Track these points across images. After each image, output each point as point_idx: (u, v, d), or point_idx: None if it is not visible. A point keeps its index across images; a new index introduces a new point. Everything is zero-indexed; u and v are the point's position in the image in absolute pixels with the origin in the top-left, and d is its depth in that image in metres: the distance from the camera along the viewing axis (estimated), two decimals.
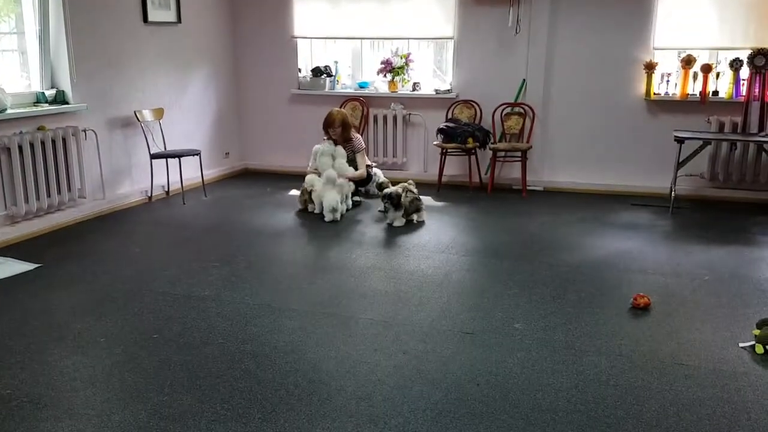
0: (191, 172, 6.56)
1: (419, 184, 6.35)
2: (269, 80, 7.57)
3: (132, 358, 3.13)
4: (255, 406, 2.70)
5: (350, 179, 5.87)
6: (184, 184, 6.31)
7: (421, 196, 5.65)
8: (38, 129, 5.17)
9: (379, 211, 5.70)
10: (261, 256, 4.66)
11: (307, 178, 5.88)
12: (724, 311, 3.68)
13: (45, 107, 5.26)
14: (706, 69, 6.16)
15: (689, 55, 6.18)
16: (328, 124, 6.06)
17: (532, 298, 3.87)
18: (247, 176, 7.60)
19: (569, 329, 3.44)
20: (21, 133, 5.00)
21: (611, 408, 2.68)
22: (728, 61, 6.12)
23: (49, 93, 5.39)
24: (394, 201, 5.32)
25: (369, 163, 6.44)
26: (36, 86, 5.43)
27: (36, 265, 4.41)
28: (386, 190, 5.39)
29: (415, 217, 5.51)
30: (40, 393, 2.80)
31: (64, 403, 2.72)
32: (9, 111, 4.91)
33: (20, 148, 4.98)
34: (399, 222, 5.39)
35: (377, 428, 2.54)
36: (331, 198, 5.51)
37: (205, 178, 6.65)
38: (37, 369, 3.02)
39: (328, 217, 5.52)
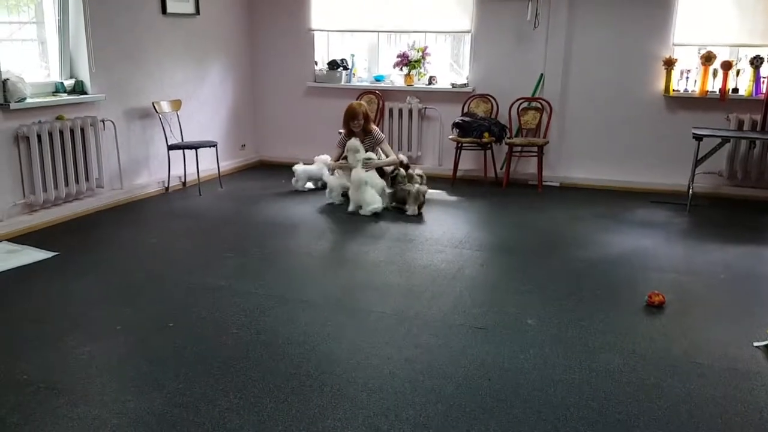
0: (207, 164, 6.60)
1: (434, 178, 6.39)
2: (285, 73, 7.59)
3: (147, 346, 3.17)
4: (267, 395, 2.72)
5: (389, 165, 5.83)
6: (200, 176, 6.35)
7: (422, 192, 5.56)
8: (57, 118, 5.22)
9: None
10: (275, 248, 4.68)
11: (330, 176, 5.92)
12: (739, 310, 3.65)
13: (64, 97, 5.32)
14: (726, 66, 6.09)
15: (709, 52, 6.11)
16: (351, 116, 5.90)
17: (546, 294, 3.86)
18: (262, 168, 7.64)
19: (583, 326, 3.42)
20: (40, 122, 5.06)
21: (623, 405, 2.67)
22: (749, 59, 6.04)
23: (68, 83, 5.44)
24: (398, 193, 5.61)
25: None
26: (55, 76, 5.48)
27: (53, 254, 4.46)
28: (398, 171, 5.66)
29: (406, 208, 5.55)
30: (56, 379, 2.84)
31: (80, 390, 2.76)
32: (28, 100, 4.96)
33: (39, 137, 5.03)
34: (411, 211, 5.50)
35: (388, 420, 2.55)
36: (370, 196, 5.50)
37: (221, 170, 6.70)
38: (54, 356, 3.06)
39: (366, 211, 5.50)
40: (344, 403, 2.67)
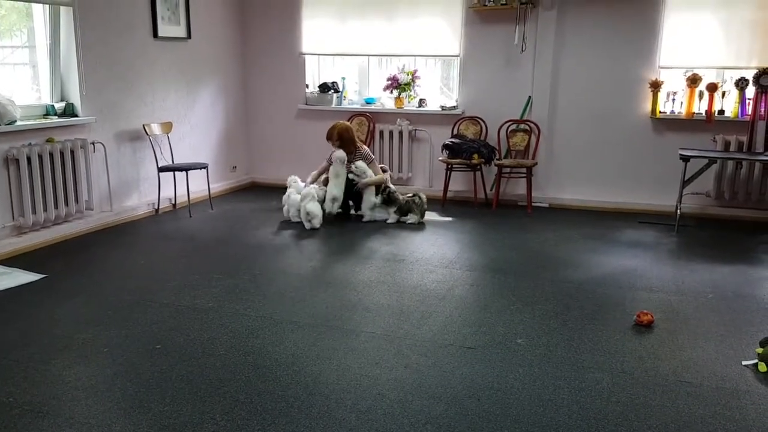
0: (198, 185, 6.61)
1: None
2: (277, 95, 7.64)
3: (134, 369, 3.14)
4: (255, 417, 2.70)
5: (372, 184, 6.08)
6: (191, 198, 6.35)
7: (423, 203, 6.03)
8: (47, 141, 5.22)
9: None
10: (264, 270, 4.68)
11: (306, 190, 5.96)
12: (728, 329, 3.66)
13: (54, 120, 5.32)
14: (712, 88, 6.17)
15: (695, 74, 6.20)
16: (328, 136, 6.22)
17: (535, 313, 3.87)
18: (253, 189, 7.65)
19: (572, 345, 3.43)
20: (30, 144, 5.06)
21: (612, 424, 2.67)
22: (734, 81, 6.13)
23: (59, 106, 5.46)
24: (387, 196, 5.98)
25: (385, 167, 6.59)
26: (46, 99, 5.50)
27: (41, 276, 4.44)
28: (387, 187, 6.05)
29: (409, 217, 5.99)
30: (41, 401, 2.81)
31: (66, 412, 2.73)
32: (18, 123, 4.97)
33: (29, 159, 5.03)
34: (392, 219, 6.00)
35: None
36: (332, 189, 5.94)
37: (212, 192, 6.70)
38: (40, 378, 3.03)
39: (327, 206, 5.97)
40: (333, 425, 2.65)
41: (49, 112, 5.40)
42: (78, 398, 2.85)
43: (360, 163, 6.01)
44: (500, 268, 4.76)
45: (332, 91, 7.44)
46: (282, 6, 7.39)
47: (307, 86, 7.58)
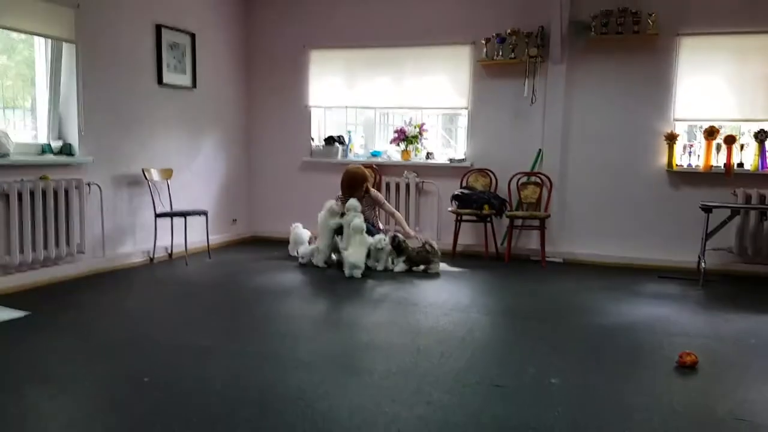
0: (196, 236, 6.32)
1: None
2: (282, 148, 7.47)
3: (119, 403, 2.76)
4: None
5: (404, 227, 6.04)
6: (188, 247, 6.05)
7: (437, 251, 5.75)
8: (40, 178, 4.96)
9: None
10: (266, 312, 4.33)
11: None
12: None
13: (50, 157, 5.08)
14: (730, 140, 6.00)
15: (712, 127, 6.04)
16: (341, 184, 6.07)
17: (566, 356, 3.51)
18: (255, 243, 7.34)
19: (613, 386, 3.06)
20: (22, 180, 4.80)
21: None
22: (752, 133, 5.97)
23: (56, 145, 5.24)
24: (396, 245, 5.68)
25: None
26: (43, 138, 5.27)
27: (25, 313, 4.08)
28: (396, 235, 5.76)
29: (423, 267, 5.71)
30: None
31: None
32: (12, 158, 4.73)
33: (20, 195, 4.76)
34: (399, 267, 5.69)
35: None
36: (357, 255, 5.46)
37: (210, 244, 6.40)
38: (15, 411, 2.64)
39: (348, 273, 5.46)
40: None
41: (45, 150, 5.16)
42: (53, 430, 2.46)
43: (352, 202, 5.74)
44: (520, 313, 4.42)
45: (338, 143, 7.27)
46: (289, 60, 7.33)
47: (312, 139, 7.42)
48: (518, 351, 3.58)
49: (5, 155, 4.68)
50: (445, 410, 2.72)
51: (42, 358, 3.29)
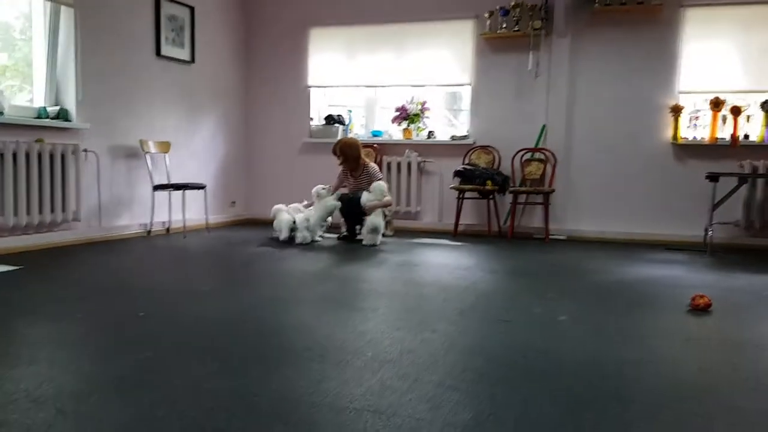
0: (194, 213, 6.22)
1: (433, 233, 6.35)
2: (280, 129, 7.38)
3: (113, 329, 2.65)
4: (257, 365, 2.20)
5: (386, 206, 5.67)
6: (186, 224, 5.94)
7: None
8: (36, 141, 4.86)
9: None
10: (266, 268, 4.21)
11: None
12: None
13: (46, 121, 4.99)
14: (736, 111, 5.92)
15: (717, 98, 5.96)
16: (333, 151, 5.90)
17: (575, 301, 3.40)
18: (253, 224, 7.23)
19: (625, 323, 2.95)
20: (17, 142, 4.70)
21: (708, 372, 2.18)
22: (759, 104, 5.89)
23: (52, 109, 5.15)
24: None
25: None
26: (39, 102, 5.19)
27: (17, 267, 3.98)
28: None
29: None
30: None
31: (25, 359, 2.23)
32: (6, 115, 4.64)
33: (15, 156, 4.66)
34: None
35: (406, 383, 2.03)
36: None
37: (209, 222, 6.28)
38: (3, 339, 2.54)
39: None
40: (352, 370, 2.16)
41: (41, 115, 5.07)
42: (42, 348, 2.35)
43: (379, 184, 5.57)
44: (525, 273, 4.31)
45: (338, 123, 7.18)
46: (289, 39, 7.26)
47: (311, 119, 7.34)
48: (524, 296, 3.47)
49: (0, 113, 4.59)
50: (451, 337, 2.61)
51: (33, 299, 3.18)
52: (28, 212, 4.79)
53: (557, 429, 1.71)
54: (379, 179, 5.74)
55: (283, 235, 5.54)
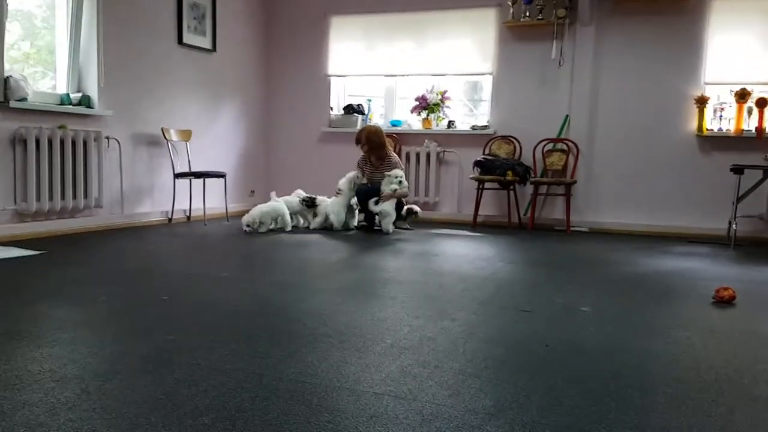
0: (214, 202, 6.25)
1: (452, 224, 6.34)
2: (300, 118, 7.38)
3: (135, 312, 2.67)
4: (275, 348, 2.20)
5: (402, 196, 5.72)
6: (206, 212, 5.98)
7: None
8: (59, 127, 4.91)
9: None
10: (286, 256, 4.22)
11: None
12: None
13: (69, 107, 5.03)
14: (762, 103, 5.81)
15: (743, 89, 5.86)
16: (356, 140, 5.90)
17: (597, 292, 3.36)
18: None
19: (648, 314, 2.91)
20: (40, 128, 4.74)
21: (728, 364, 2.15)
22: None
23: (74, 96, 5.18)
24: (308, 203, 5.79)
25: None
26: (62, 88, 5.23)
27: (40, 252, 4.02)
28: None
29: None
30: (21, 329, 2.34)
31: (47, 337, 2.25)
32: (31, 103, 4.68)
33: (38, 141, 4.71)
34: (315, 224, 5.75)
35: (426, 370, 2.02)
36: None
37: (228, 211, 6.30)
38: (29, 317, 2.56)
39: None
40: (371, 357, 2.15)
41: (63, 101, 5.11)
42: (65, 329, 2.37)
43: (397, 172, 5.61)
44: (547, 264, 4.28)
45: (357, 113, 7.16)
46: (309, 27, 7.26)
47: (331, 108, 7.33)
48: (546, 287, 3.44)
49: (23, 99, 4.63)
50: (471, 325, 2.60)
51: (56, 283, 3.21)
52: (51, 198, 4.84)
53: (580, 416, 1.70)
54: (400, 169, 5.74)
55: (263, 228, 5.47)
